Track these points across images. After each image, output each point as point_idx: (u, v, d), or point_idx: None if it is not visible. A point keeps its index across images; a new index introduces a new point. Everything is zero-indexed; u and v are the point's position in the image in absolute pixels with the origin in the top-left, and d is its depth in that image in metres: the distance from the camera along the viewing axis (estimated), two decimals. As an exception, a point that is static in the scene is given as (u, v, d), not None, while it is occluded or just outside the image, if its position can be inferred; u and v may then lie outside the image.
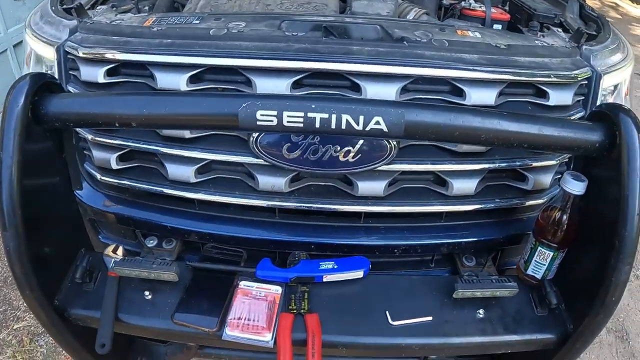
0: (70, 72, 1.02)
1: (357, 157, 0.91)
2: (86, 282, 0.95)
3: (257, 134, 0.90)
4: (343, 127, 0.76)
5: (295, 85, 0.92)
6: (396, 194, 0.98)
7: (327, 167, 0.92)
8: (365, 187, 0.95)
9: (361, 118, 0.76)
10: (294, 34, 0.99)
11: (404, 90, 0.93)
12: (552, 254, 0.95)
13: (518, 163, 1.01)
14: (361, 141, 0.90)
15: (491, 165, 0.99)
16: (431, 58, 0.93)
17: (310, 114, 0.76)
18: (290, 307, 0.88)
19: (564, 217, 0.93)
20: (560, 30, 1.29)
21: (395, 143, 0.92)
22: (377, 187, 0.95)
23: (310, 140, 0.90)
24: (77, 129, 1.02)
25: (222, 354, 1.14)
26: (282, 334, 0.83)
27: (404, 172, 0.97)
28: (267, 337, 0.83)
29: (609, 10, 5.99)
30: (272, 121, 0.77)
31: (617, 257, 0.82)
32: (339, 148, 0.90)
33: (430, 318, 0.91)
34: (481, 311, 0.94)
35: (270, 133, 0.90)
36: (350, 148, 0.90)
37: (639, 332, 1.80)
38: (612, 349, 1.73)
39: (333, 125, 0.76)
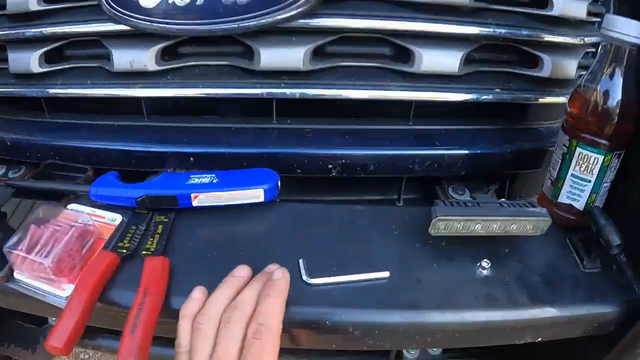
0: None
1: (249, -1, 0.49)
2: None
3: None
4: None
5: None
6: (329, 72, 0.55)
7: (205, 17, 0.50)
8: (272, 57, 0.51)
9: None
10: None
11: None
12: (602, 157, 0.48)
13: (525, 32, 0.56)
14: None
15: (483, 30, 0.54)
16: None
17: None
18: (120, 244, 0.44)
19: (617, 90, 0.46)
20: None
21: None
22: (291, 56, 0.51)
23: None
24: None
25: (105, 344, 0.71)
26: (82, 283, 0.39)
27: (339, 35, 0.53)
28: (63, 291, 0.40)
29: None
30: None
31: None
32: (219, -17, 0.49)
33: (386, 274, 0.45)
34: (485, 264, 0.47)
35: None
36: (238, -18, 0.49)
37: None
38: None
39: None
